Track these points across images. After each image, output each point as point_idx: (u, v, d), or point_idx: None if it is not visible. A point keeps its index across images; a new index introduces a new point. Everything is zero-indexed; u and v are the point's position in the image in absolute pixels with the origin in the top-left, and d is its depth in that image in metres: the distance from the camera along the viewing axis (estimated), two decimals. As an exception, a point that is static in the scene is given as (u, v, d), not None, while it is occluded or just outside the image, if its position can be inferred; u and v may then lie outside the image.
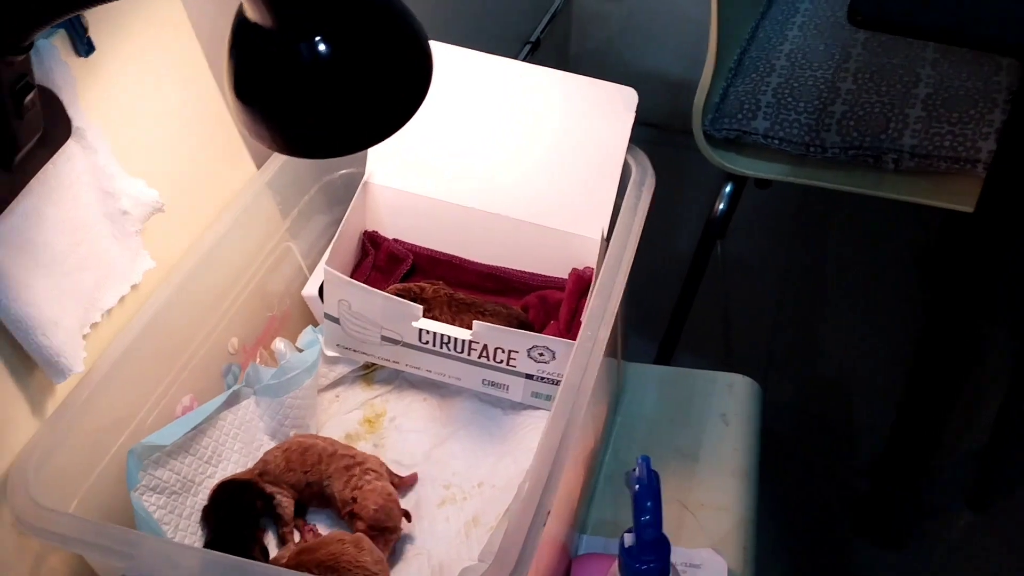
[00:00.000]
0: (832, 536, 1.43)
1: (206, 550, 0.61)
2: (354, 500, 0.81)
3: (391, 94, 0.60)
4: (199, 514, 0.82)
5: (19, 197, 0.68)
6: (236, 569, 0.60)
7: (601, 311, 0.74)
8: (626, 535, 0.64)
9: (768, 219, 1.57)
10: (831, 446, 1.55)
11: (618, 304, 0.75)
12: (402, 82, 0.61)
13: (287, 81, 0.57)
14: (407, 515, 0.82)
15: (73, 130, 0.72)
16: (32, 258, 0.69)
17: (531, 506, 0.62)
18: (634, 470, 0.63)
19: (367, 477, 0.82)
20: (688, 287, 1.42)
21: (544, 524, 0.62)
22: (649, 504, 0.61)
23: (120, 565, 0.61)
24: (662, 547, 0.62)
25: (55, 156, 0.71)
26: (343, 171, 1.00)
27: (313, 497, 0.85)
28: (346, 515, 0.82)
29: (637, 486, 0.62)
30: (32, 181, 0.69)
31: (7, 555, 0.68)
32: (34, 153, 0.69)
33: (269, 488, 0.83)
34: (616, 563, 0.67)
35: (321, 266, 0.99)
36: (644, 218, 0.81)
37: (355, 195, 0.94)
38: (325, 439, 0.87)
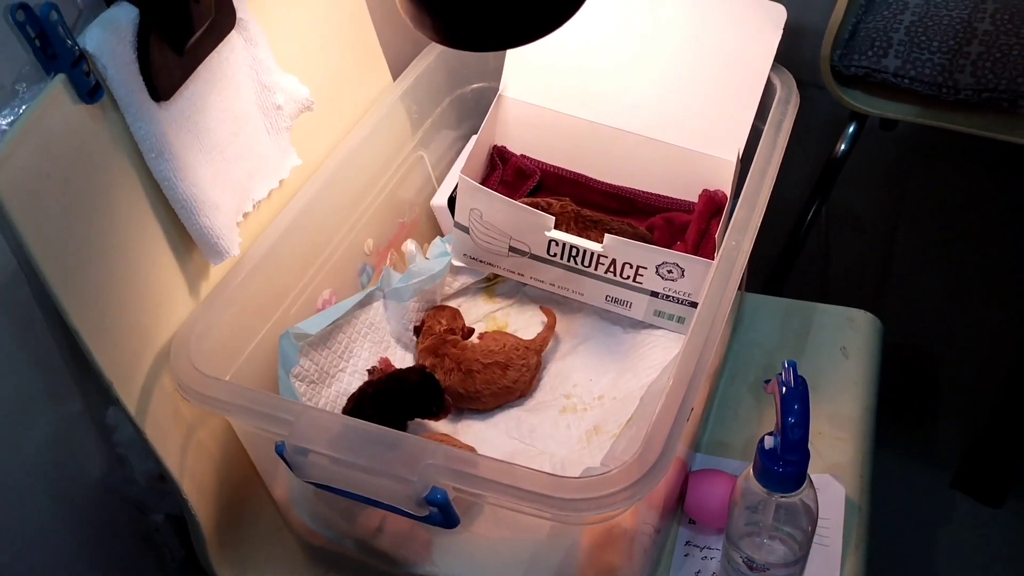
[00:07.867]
0: (934, 485, 1.42)
1: (361, 421, 0.63)
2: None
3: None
4: (332, 404, 0.85)
5: (187, 82, 0.71)
6: (386, 440, 0.63)
7: (745, 223, 0.74)
8: (766, 437, 0.65)
9: (874, 169, 1.53)
10: (937, 402, 1.53)
11: (761, 218, 0.75)
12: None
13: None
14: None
15: (237, 21, 0.75)
16: (197, 142, 0.72)
17: (675, 401, 0.63)
18: (779, 375, 0.64)
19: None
20: (797, 232, 1.40)
21: (687, 419, 0.63)
22: (796, 407, 0.62)
23: (280, 432, 0.64)
24: (804, 450, 0.63)
25: (220, 45, 0.74)
26: (475, 85, 1.01)
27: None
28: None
29: (784, 388, 0.62)
30: (199, 68, 0.72)
31: (166, 423, 0.72)
32: (203, 40, 0.71)
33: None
34: (749, 469, 0.68)
35: (449, 178, 1.01)
36: (788, 136, 0.80)
37: (490, 107, 0.95)
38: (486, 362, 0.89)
